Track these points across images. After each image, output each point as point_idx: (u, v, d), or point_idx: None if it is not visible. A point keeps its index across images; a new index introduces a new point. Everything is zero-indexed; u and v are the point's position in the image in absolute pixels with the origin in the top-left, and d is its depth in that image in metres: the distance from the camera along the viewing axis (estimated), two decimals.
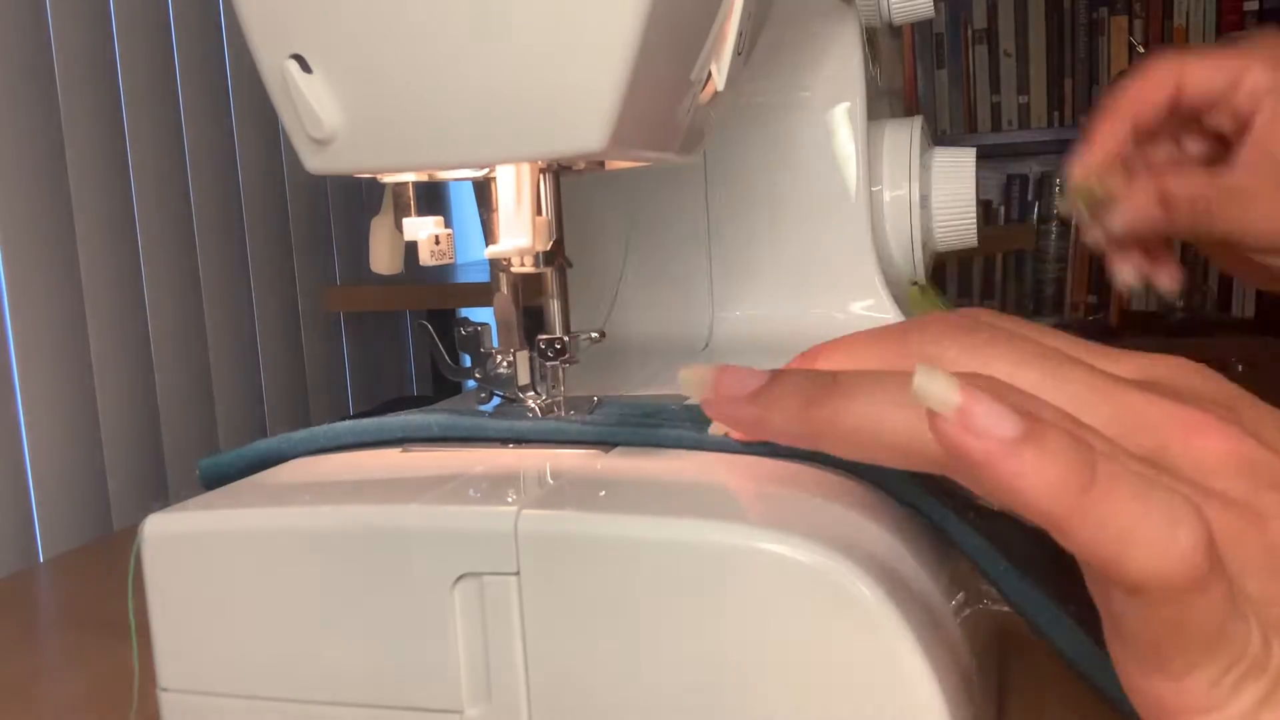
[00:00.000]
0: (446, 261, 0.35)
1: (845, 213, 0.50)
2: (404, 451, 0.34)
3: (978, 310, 0.28)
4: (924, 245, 0.52)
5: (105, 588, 0.53)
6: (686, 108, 0.34)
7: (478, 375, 0.36)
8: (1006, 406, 0.20)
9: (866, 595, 0.24)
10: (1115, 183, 0.42)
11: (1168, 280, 0.46)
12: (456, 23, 0.28)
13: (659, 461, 0.31)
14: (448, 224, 0.36)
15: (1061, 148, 2.31)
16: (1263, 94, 0.39)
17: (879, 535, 0.27)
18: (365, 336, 1.53)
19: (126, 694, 0.32)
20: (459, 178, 0.35)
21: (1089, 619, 0.26)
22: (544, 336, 0.35)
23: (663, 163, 0.35)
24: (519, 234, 0.33)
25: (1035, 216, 2.31)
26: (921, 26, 2.27)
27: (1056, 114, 2.26)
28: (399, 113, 0.30)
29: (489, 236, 0.34)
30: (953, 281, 2.27)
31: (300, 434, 0.35)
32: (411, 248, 0.35)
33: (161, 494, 1.13)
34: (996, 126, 2.29)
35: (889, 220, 0.51)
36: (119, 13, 1.09)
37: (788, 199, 0.50)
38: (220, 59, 1.24)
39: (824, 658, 0.24)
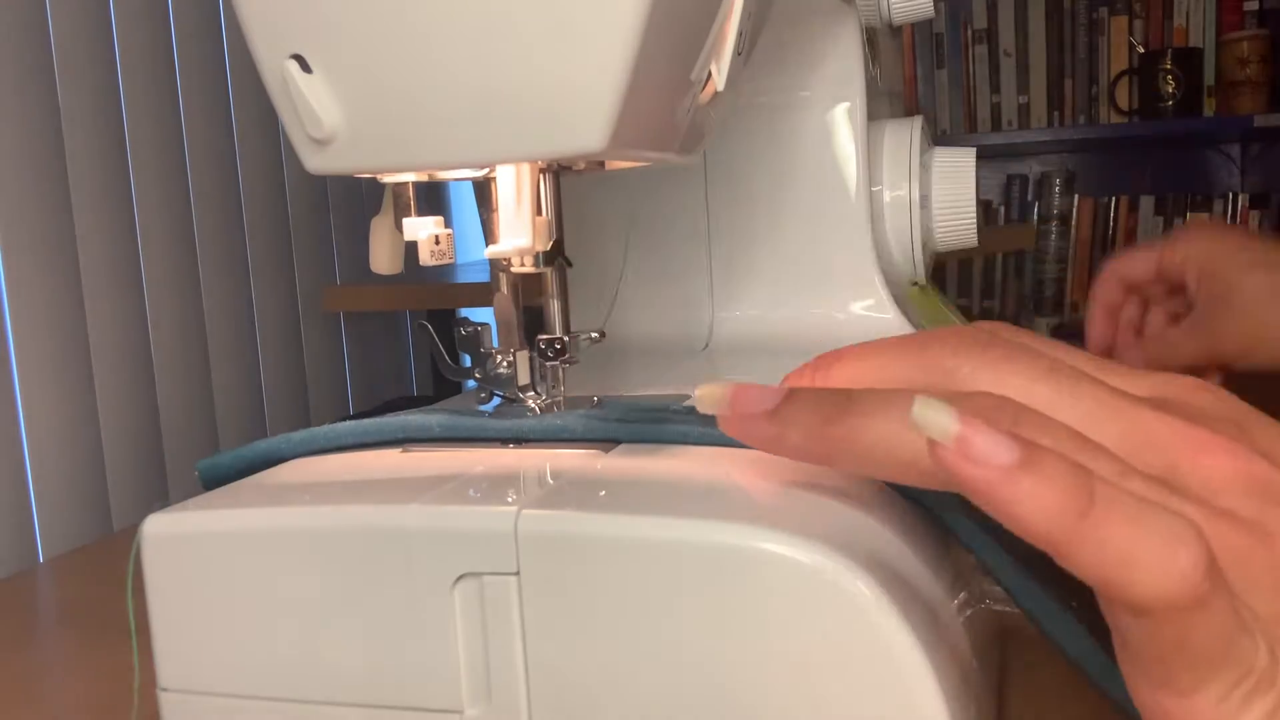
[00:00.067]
0: (446, 261, 0.35)
1: (845, 213, 0.50)
2: (404, 451, 0.34)
3: (995, 324, 0.28)
4: (924, 245, 0.52)
5: (105, 588, 0.53)
6: (686, 108, 0.34)
7: (478, 375, 0.36)
8: (1004, 434, 0.20)
9: (865, 594, 0.24)
10: None
11: None
12: (457, 23, 0.28)
13: (659, 461, 0.31)
14: (448, 224, 0.36)
15: (1061, 148, 2.32)
16: (1187, 260, 0.55)
17: (881, 533, 0.27)
18: (365, 336, 1.53)
19: (126, 694, 0.32)
20: (459, 178, 0.35)
21: (1092, 618, 0.26)
22: (544, 336, 0.35)
23: (663, 163, 0.35)
24: (519, 234, 0.33)
25: (1035, 216, 2.31)
26: (921, 26, 2.27)
27: (1056, 114, 2.26)
28: (399, 113, 0.30)
29: (489, 236, 0.34)
30: (953, 281, 2.27)
31: (300, 434, 0.35)
32: (411, 248, 0.35)
33: (161, 494, 1.13)
34: (996, 126, 2.29)
35: (889, 220, 0.51)
36: (119, 13, 1.09)
37: (788, 199, 0.50)
38: (220, 59, 1.24)
39: (824, 657, 0.24)
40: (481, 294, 1.16)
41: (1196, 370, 0.53)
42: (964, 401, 0.23)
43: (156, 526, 0.30)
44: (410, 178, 0.34)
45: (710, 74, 0.34)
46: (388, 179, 0.35)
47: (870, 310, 0.50)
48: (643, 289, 0.52)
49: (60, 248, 1.00)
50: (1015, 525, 0.20)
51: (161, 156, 1.14)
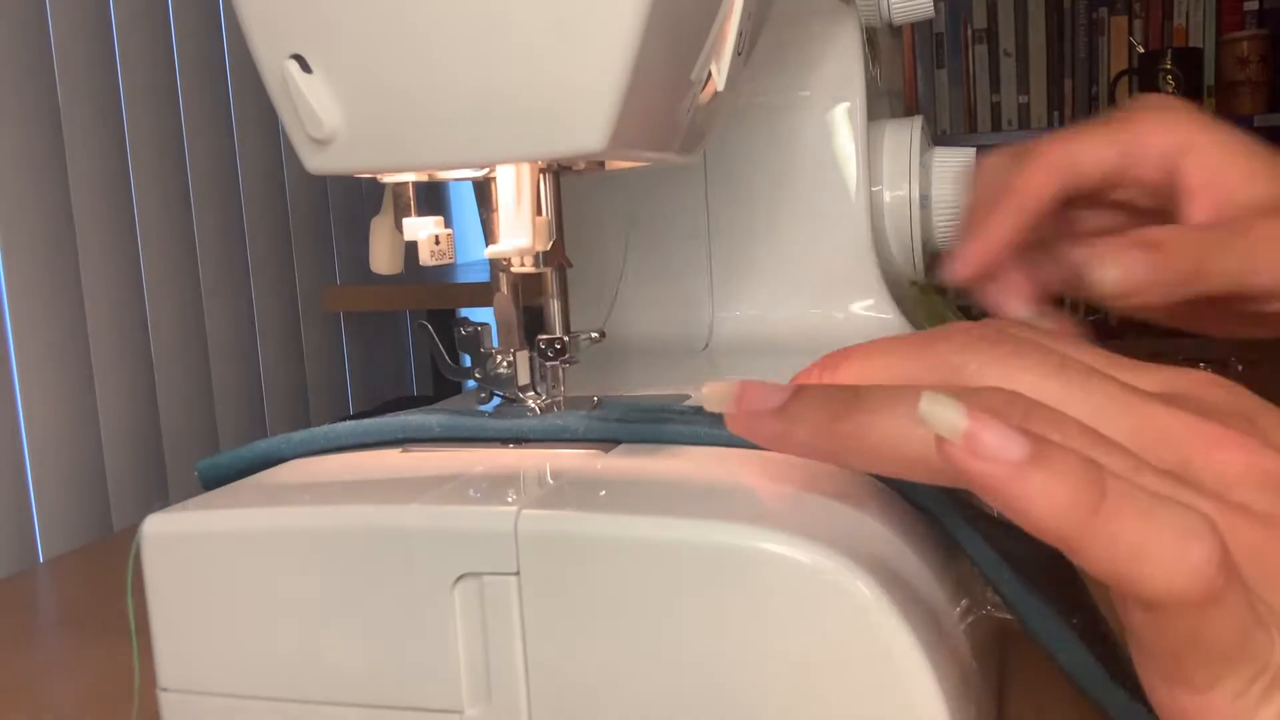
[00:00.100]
0: (446, 261, 0.35)
1: (845, 212, 0.50)
2: (404, 451, 0.34)
3: (1002, 321, 0.28)
4: (924, 245, 0.52)
5: (105, 588, 0.53)
6: (686, 108, 0.34)
7: (478, 375, 0.36)
8: (1014, 429, 0.20)
9: (865, 594, 0.24)
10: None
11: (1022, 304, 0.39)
12: (457, 23, 0.28)
13: (659, 461, 0.31)
14: (448, 224, 0.36)
15: None
16: (1174, 156, 0.36)
17: (882, 534, 0.27)
18: (365, 336, 1.53)
19: (126, 694, 0.32)
20: (459, 178, 0.35)
21: (1093, 631, 0.26)
22: (544, 336, 0.35)
23: (663, 163, 0.35)
24: (519, 234, 0.33)
25: None
26: (921, 26, 2.27)
27: (1056, 114, 2.26)
28: (399, 113, 0.30)
29: (489, 236, 0.34)
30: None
31: (300, 434, 0.35)
32: (411, 248, 0.35)
33: (161, 494, 1.13)
34: (996, 126, 2.29)
35: (889, 220, 0.51)
36: (119, 13, 1.09)
37: (788, 199, 0.50)
38: (220, 59, 1.24)
39: (824, 657, 0.24)
40: (481, 294, 1.16)
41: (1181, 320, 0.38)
42: (974, 397, 0.23)
43: (156, 526, 0.30)
44: (410, 178, 0.34)
45: (710, 74, 0.34)
46: (388, 179, 0.35)
47: (870, 310, 0.50)
48: (643, 289, 0.52)
49: (60, 248, 1.00)
50: (1026, 522, 0.20)
51: (161, 156, 1.14)
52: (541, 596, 0.26)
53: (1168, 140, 0.36)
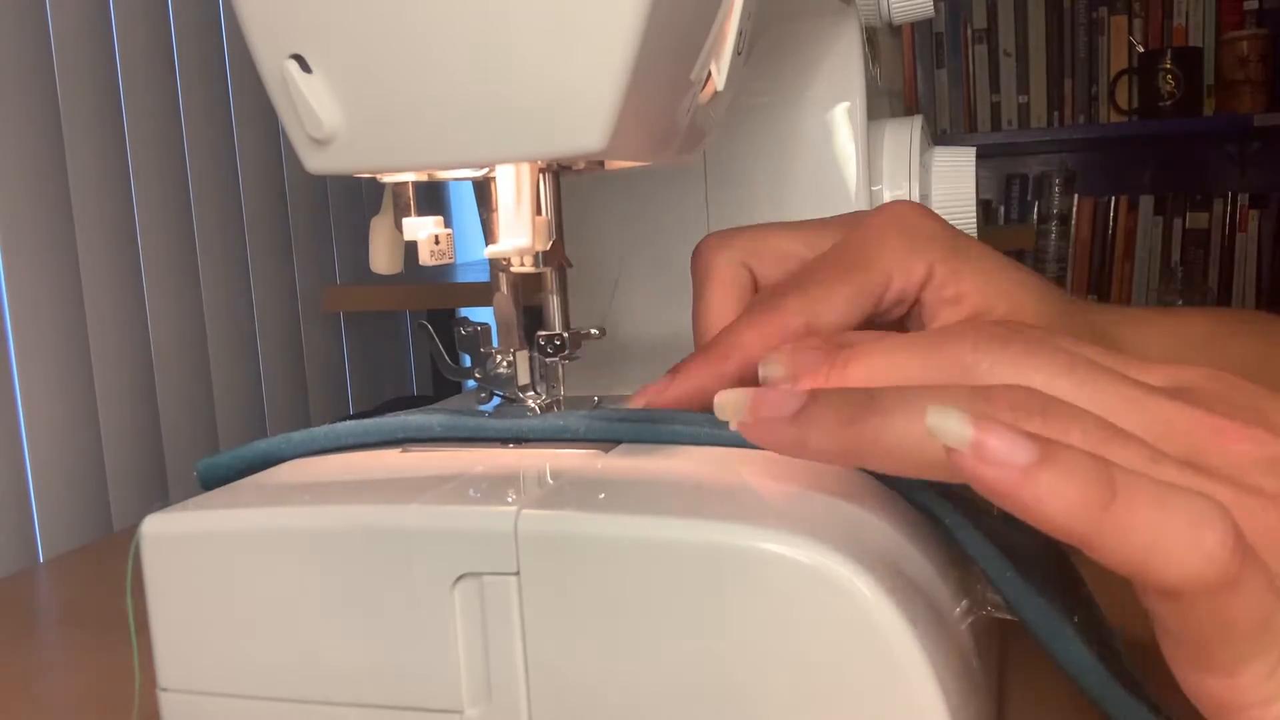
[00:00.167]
0: (446, 261, 0.35)
1: (845, 212, 0.50)
2: (404, 451, 0.34)
3: (1010, 321, 0.28)
4: None
5: (105, 588, 0.53)
6: (686, 108, 0.34)
7: (478, 375, 0.36)
8: (1020, 433, 0.20)
9: (866, 594, 0.24)
10: None
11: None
12: (456, 23, 0.28)
13: (659, 461, 0.31)
14: (448, 224, 0.36)
15: (1061, 147, 2.32)
16: (914, 293, 0.34)
17: (882, 534, 0.27)
18: (365, 336, 1.53)
19: (126, 694, 0.32)
20: (459, 178, 0.35)
21: (1094, 630, 0.26)
22: (544, 333, 0.35)
23: (663, 163, 0.35)
24: (519, 234, 0.33)
25: (1035, 216, 2.31)
26: (921, 26, 2.27)
27: (1056, 114, 2.26)
28: (399, 113, 0.30)
29: (489, 236, 0.34)
30: None
31: (300, 434, 0.35)
32: (411, 248, 0.35)
33: (161, 494, 1.13)
34: (996, 126, 2.29)
35: None
36: (119, 13, 1.09)
37: (788, 199, 0.50)
38: (220, 59, 1.24)
39: (824, 657, 0.24)
40: (481, 294, 1.16)
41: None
42: (992, 393, 0.23)
43: (155, 526, 0.30)
44: (410, 178, 0.34)
45: (710, 74, 0.34)
46: (388, 179, 0.35)
47: None
48: (643, 289, 0.52)
49: (60, 248, 1.00)
50: (1041, 523, 0.20)
51: (161, 156, 1.14)
52: (541, 596, 0.26)
53: (909, 282, 0.34)
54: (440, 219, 0.35)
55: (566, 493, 0.28)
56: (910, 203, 0.36)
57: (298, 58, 0.30)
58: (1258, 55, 2.05)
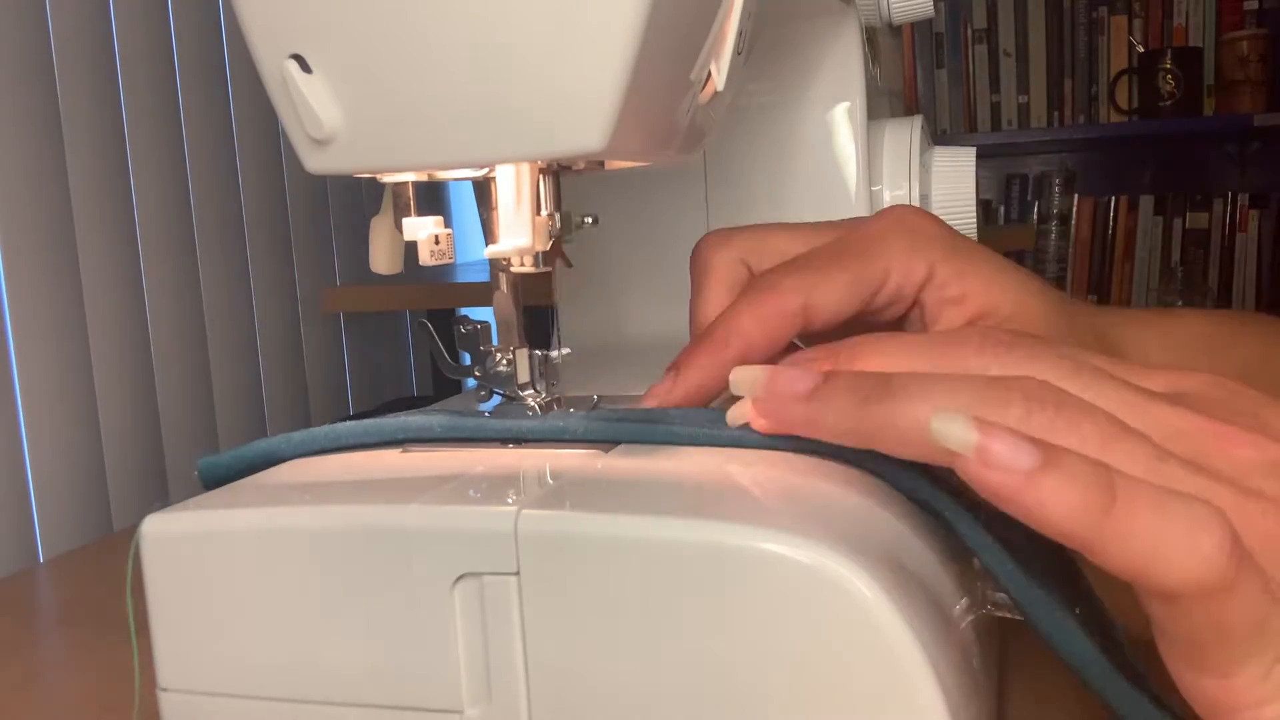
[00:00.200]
0: (446, 261, 0.35)
1: (845, 212, 0.50)
2: (404, 451, 0.34)
3: (1012, 329, 0.28)
4: None
5: (105, 588, 0.53)
6: (686, 108, 0.34)
7: (477, 373, 0.36)
8: (1024, 438, 0.20)
9: (866, 594, 0.24)
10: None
11: None
12: (456, 23, 0.28)
13: (659, 460, 0.31)
14: (448, 224, 0.36)
15: (1061, 147, 2.32)
16: (915, 291, 0.34)
17: (883, 533, 0.27)
18: (365, 336, 1.53)
19: (126, 694, 0.32)
20: (459, 178, 0.35)
21: (1096, 622, 0.26)
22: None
23: (663, 163, 0.35)
24: (519, 234, 0.33)
25: (1035, 216, 2.31)
26: (921, 26, 2.27)
27: (1056, 114, 2.26)
28: (399, 113, 0.30)
29: (489, 236, 0.34)
30: None
31: (300, 434, 0.35)
32: (411, 248, 0.35)
33: (161, 494, 1.13)
34: (996, 126, 2.29)
35: None
36: (119, 13, 1.09)
37: (788, 199, 0.50)
38: (220, 59, 1.24)
39: (824, 657, 0.24)
40: (481, 294, 1.16)
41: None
42: (1009, 383, 0.23)
43: (155, 526, 0.30)
44: (410, 178, 0.34)
45: (710, 74, 0.34)
46: (388, 179, 0.35)
47: None
48: (643, 289, 0.52)
49: (60, 248, 1.00)
50: (1043, 526, 0.21)
51: (161, 156, 1.14)
52: (541, 596, 0.26)
53: (909, 279, 0.34)
54: (440, 219, 0.35)
55: (566, 493, 0.28)
56: (912, 206, 0.36)
57: (298, 58, 0.30)
58: (1258, 55, 2.05)
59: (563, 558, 0.26)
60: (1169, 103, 2.09)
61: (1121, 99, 2.20)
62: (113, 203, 1.07)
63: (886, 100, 0.57)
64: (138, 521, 0.30)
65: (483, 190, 0.34)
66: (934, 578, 0.27)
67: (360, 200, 1.49)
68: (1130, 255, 2.26)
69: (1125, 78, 2.19)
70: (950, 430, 0.21)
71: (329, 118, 0.31)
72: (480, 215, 0.35)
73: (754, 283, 0.34)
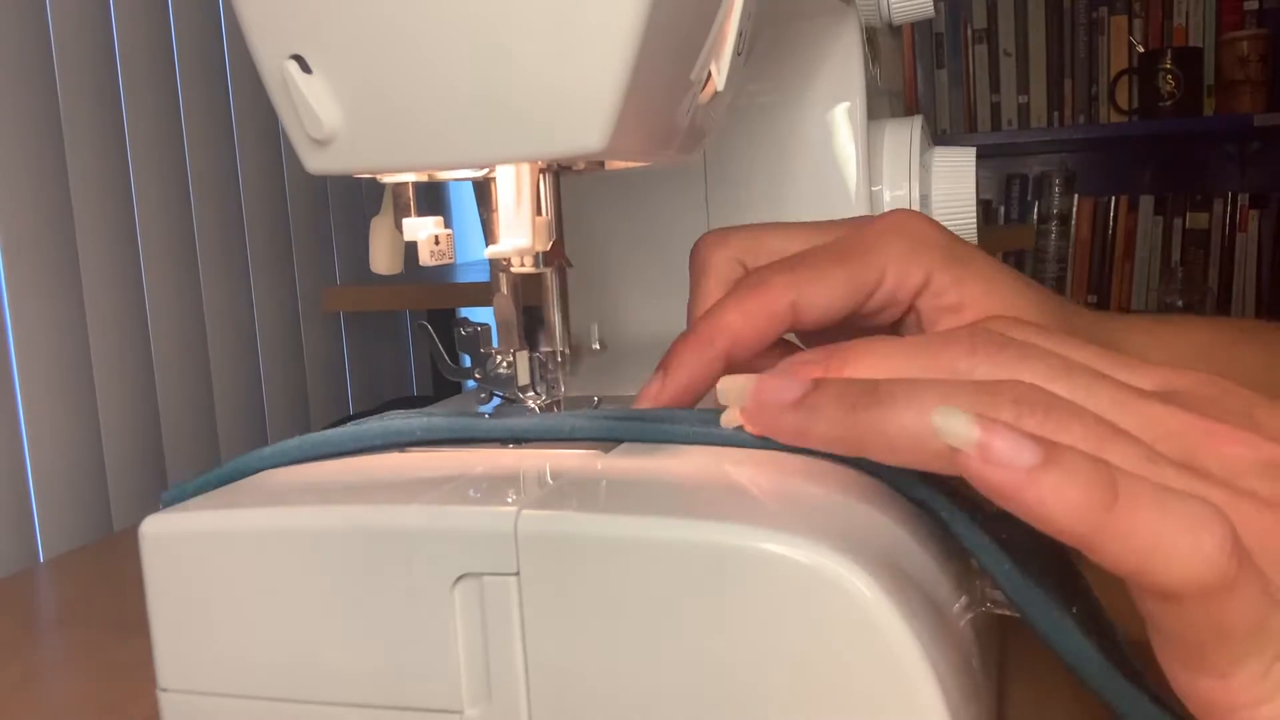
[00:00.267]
0: (446, 261, 0.35)
1: (845, 212, 0.50)
2: (404, 451, 0.34)
3: (1005, 322, 0.28)
4: None
5: (105, 588, 0.53)
6: (686, 108, 0.34)
7: (477, 375, 0.36)
8: (1025, 435, 0.20)
9: (866, 594, 0.24)
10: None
11: None
12: (457, 23, 0.28)
13: (659, 460, 0.31)
14: (448, 224, 0.36)
15: (1061, 147, 2.32)
16: (910, 296, 0.34)
17: (882, 533, 0.27)
18: (365, 336, 1.53)
19: (126, 694, 0.32)
20: (459, 178, 0.35)
21: (1093, 621, 0.26)
22: (544, 350, 0.35)
23: (663, 163, 0.35)
24: (519, 234, 0.33)
25: (1035, 216, 2.31)
26: (921, 26, 2.27)
27: (1056, 114, 2.26)
28: (399, 113, 0.30)
29: (489, 236, 0.34)
30: None
31: (268, 450, 0.34)
32: (411, 248, 0.35)
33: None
34: (996, 126, 2.29)
35: None
36: (119, 13, 1.09)
37: (788, 199, 0.50)
38: (220, 59, 1.24)
39: (824, 657, 0.24)
40: (481, 294, 1.16)
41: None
42: (998, 388, 0.23)
43: (156, 526, 0.30)
44: (410, 178, 0.34)
45: (710, 74, 0.34)
46: (388, 179, 0.35)
47: None
48: (642, 289, 0.52)
49: (60, 248, 1.00)
50: (1043, 523, 0.20)
51: (161, 156, 1.14)
52: (541, 596, 0.26)
53: (903, 284, 0.33)
54: (440, 219, 0.35)
55: (566, 493, 0.28)
56: (913, 211, 0.36)
57: (298, 58, 0.30)
58: (1258, 55, 2.05)
59: (563, 558, 0.26)
60: (1169, 103, 2.09)
61: (1121, 99, 2.20)
62: (113, 202, 1.07)
63: (886, 100, 0.57)
64: (138, 521, 0.30)
65: (483, 190, 0.34)
66: (933, 578, 0.27)
67: (360, 200, 1.49)
68: (1130, 255, 2.26)
69: (1125, 78, 2.19)
70: (952, 426, 0.21)
71: (329, 118, 0.31)
72: (480, 215, 0.35)
73: (744, 279, 0.34)
